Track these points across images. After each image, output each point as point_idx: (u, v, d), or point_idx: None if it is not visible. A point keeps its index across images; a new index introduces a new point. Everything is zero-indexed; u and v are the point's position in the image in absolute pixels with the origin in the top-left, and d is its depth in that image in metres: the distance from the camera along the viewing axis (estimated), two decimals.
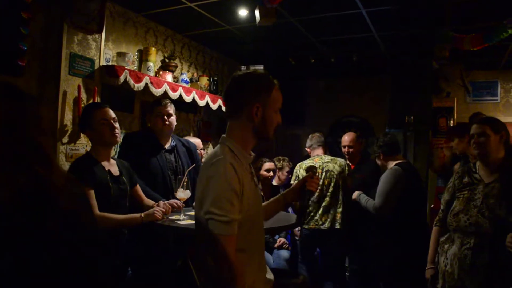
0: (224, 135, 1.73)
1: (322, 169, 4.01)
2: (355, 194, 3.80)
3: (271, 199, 2.05)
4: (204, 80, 4.92)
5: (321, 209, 3.93)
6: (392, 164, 3.59)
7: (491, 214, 2.44)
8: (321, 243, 4.07)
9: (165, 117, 3.12)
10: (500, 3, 3.42)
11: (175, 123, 3.24)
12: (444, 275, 2.63)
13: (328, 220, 3.90)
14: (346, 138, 4.36)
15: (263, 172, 4.54)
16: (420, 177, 3.84)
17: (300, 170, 4.15)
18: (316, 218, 3.94)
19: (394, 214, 3.50)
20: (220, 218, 1.48)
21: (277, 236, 4.34)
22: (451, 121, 4.99)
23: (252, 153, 1.83)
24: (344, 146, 4.34)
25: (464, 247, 2.51)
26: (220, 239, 1.49)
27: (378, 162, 3.77)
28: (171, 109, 3.18)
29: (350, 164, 4.29)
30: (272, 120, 1.71)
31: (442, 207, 2.83)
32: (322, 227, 3.91)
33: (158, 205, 2.60)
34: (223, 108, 3.72)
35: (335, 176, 3.98)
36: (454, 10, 3.78)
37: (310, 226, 3.97)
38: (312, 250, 4.20)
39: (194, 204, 1.78)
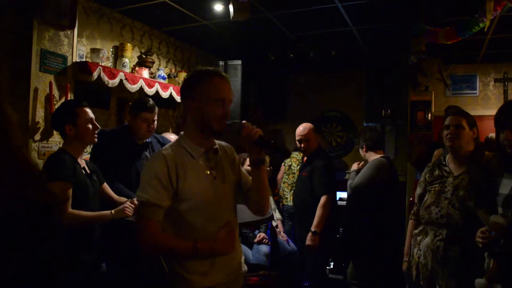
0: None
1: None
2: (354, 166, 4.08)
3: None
4: (183, 76, 4.88)
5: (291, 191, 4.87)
6: (373, 156, 3.85)
7: (461, 205, 2.48)
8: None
9: (150, 124, 3.10)
10: None
11: None
12: (418, 266, 2.68)
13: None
14: (301, 129, 3.84)
15: (246, 167, 4.59)
16: (397, 173, 4.05)
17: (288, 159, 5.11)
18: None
19: (373, 205, 3.71)
20: (143, 199, 1.64)
21: (257, 231, 4.35)
22: (429, 115, 5.03)
23: (202, 149, 1.78)
24: (299, 140, 3.86)
25: (437, 239, 2.56)
26: (142, 221, 1.65)
27: (361, 153, 4.00)
28: (156, 114, 3.16)
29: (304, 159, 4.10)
30: (211, 112, 1.71)
31: (416, 201, 2.88)
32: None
33: (132, 202, 2.59)
34: None
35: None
36: (427, 3, 3.81)
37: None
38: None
39: None
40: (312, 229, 3.53)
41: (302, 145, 3.81)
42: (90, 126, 2.52)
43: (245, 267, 1.94)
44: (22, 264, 0.95)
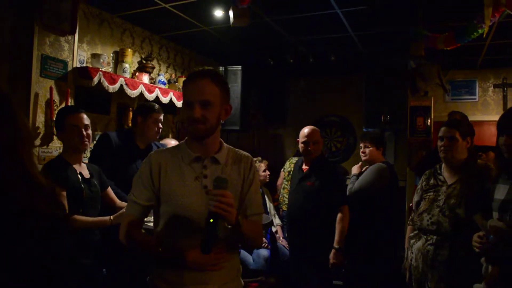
0: None
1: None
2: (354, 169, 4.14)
3: None
4: (183, 81, 4.89)
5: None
6: (379, 160, 3.97)
7: (451, 213, 2.55)
8: None
9: (160, 124, 3.24)
10: (470, 2, 3.46)
11: None
12: (410, 268, 2.77)
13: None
14: (306, 131, 3.50)
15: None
16: (397, 178, 4.08)
17: (288, 163, 4.89)
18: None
19: (373, 210, 3.78)
20: (129, 196, 1.75)
21: None
22: (428, 120, 5.04)
23: (194, 154, 1.70)
24: (305, 141, 3.48)
25: (427, 243, 2.66)
26: (123, 216, 1.79)
27: (367, 156, 4.00)
28: (162, 115, 3.30)
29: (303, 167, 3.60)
30: (183, 116, 1.81)
31: (413, 207, 2.94)
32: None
33: None
34: None
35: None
36: (426, 9, 3.83)
37: None
38: None
39: None
40: (336, 246, 3.30)
41: (310, 148, 3.44)
42: (76, 133, 2.48)
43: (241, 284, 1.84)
44: (27, 272, 0.96)
